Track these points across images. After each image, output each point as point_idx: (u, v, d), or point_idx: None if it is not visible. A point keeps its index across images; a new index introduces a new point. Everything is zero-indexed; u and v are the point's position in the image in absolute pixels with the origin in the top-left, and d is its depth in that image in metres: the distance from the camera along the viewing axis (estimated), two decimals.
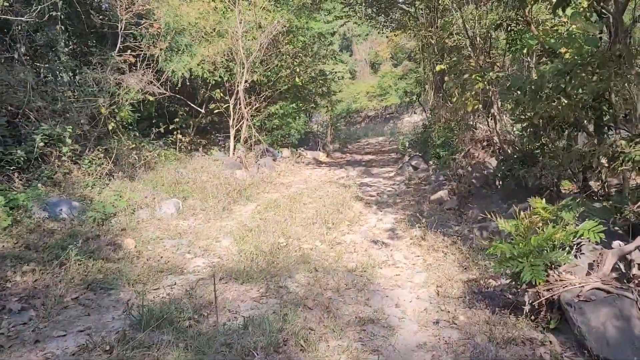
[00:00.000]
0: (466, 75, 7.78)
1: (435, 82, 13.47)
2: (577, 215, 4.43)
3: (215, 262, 5.99)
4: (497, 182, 9.90)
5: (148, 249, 6.22)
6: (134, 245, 6.16)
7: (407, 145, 16.96)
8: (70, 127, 8.21)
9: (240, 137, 13.46)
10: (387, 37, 25.90)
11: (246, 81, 13.17)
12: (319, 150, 18.94)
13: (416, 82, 21.60)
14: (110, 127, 9.26)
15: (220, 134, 15.23)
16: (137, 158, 9.63)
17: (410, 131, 22.44)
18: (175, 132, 12.83)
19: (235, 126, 13.11)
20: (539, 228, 4.32)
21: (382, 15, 18.96)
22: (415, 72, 22.96)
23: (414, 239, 7.17)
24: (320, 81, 20.23)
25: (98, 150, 8.72)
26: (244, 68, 12.83)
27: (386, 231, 7.70)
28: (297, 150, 16.90)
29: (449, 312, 4.67)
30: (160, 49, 11.06)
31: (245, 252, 6.14)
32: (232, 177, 11.11)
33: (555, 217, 4.40)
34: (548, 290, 4.11)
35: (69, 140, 8.12)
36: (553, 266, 4.19)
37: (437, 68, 8.83)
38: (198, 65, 12.11)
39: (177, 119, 13.17)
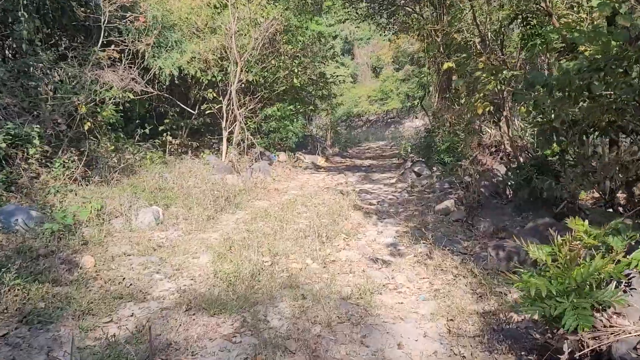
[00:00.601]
0: (478, 72, 6.81)
1: (440, 83, 12.50)
2: (629, 240, 3.45)
3: (186, 285, 4.98)
4: (507, 192, 8.95)
5: (111, 268, 5.23)
6: (93, 263, 5.17)
7: (409, 150, 15.99)
8: (38, 126, 7.24)
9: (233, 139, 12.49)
10: (389, 40, 25.03)
11: (240, 81, 12.20)
12: (318, 154, 17.97)
13: (419, 85, 20.66)
14: (86, 128, 8.28)
15: (214, 137, 14.24)
16: (116, 161, 8.65)
17: (412, 135, 21.42)
18: (164, 134, 11.89)
19: (229, 128, 12.11)
20: (580, 257, 3.35)
21: (385, 15, 17.98)
22: (418, 75, 22.05)
23: (418, 256, 6.20)
24: (321, 84, 19.31)
25: (71, 152, 7.74)
26: (237, 67, 11.85)
27: (387, 246, 6.72)
28: (294, 154, 15.92)
29: (464, 357, 3.70)
30: (147, 44, 10.11)
31: (222, 274, 5.15)
32: (222, 183, 10.14)
33: (600, 244, 3.43)
34: (595, 338, 3.13)
35: (36, 141, 7.17)
36: (601, 307, 3.22)
37: (445, 66, 7.86)
38: (189, 63, 11.15)
39: (167, 120, 12.21)
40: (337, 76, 23.16)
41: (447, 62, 7.90)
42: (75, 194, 6.84)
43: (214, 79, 12.30)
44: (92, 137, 8.54)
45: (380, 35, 22.70)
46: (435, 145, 12.44)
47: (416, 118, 31.84)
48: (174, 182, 9.17)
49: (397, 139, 25.61)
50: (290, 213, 8.25)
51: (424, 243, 6.48)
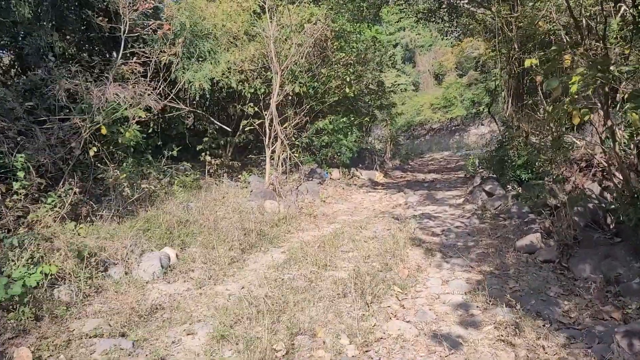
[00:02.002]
0: (580, 69, 4.74)
1: (513, 86, 10.27)
2: None
3: None
4: (608, 220, 6.75)
5: None
6: (30, 357, 3.52)
7: (477, 164, 13.67)
8: (23, 155, 5.77)
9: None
10: (451, 45, 22.87)
11: (284, 92, 10.45)
12: (376, 169, 16.00)
13: (485, 90, 18.30)
14: (92, 154, 6.78)
15: (261, 154, 12.58)
16: (129, 192, 7.11)
17: (478, 142, 18.99)
18: (203, 154, 10.35)
19: (271, 146, 10.37)
20: None
21: (446, 17, 15.84)
22: (483, 81, 19.70)
23: (500, 328, 4.20)
24: (379, 93, 17.39)
25: (69, 183, 6.23)
26: (277, 77, 10.09)
27: (455, 309, 4.75)
28: (349, 170, 14.00)
29: None
30: (175, 55, 8.59)
31: None
32: (259, 210, 8.44)
33: None
34: None
35: (20, 174, 5.69)
36: None
37: (527, 63, 5.80)
38: (223, 74, 9.54)
39: (205, 138, 10.64)
40: (399, 85, 21.22)
41: (529, 58, 5.83)
42: (51, 242, 5.20)
43: (256, 92, 10.67)
44: (99, 165, 7.02)
45: (442, 39, 20.60)
46: (509, 159, 10.23)
47: (482, 125, 29.28)
48: (200, 212, 7.55)
49: (462, 148, 23.24)
50: (332, 253, 6.41)
51: (508, 308, 4.46)
